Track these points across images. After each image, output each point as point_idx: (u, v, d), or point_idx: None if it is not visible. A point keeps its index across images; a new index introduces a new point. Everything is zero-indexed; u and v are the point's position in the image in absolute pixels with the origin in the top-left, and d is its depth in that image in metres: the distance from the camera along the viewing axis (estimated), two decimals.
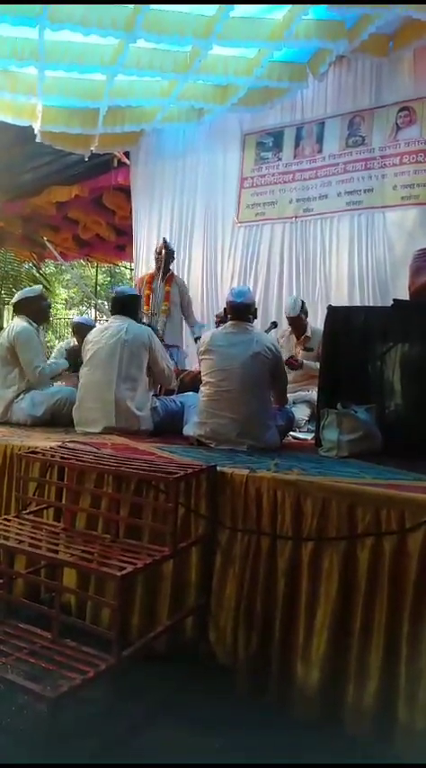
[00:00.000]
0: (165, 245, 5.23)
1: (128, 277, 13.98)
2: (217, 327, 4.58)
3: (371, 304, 5.05)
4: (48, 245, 7.85)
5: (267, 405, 3.04)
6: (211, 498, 2.26)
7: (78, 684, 1.66)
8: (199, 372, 3.15)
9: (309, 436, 3.56)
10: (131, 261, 8.01)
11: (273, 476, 2.19)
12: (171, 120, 5.78)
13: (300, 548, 2.05)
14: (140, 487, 2.39)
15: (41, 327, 4.09)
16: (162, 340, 4.84)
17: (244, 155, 6.09)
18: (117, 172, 6.87)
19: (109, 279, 18.28)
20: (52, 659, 1.78)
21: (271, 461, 2.51)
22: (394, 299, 3.26)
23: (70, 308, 19.68)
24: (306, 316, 4.83)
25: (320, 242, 5.58)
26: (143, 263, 6.72)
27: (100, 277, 17.07)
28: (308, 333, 4.77)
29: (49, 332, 15.36)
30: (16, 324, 3.81)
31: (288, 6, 4.20)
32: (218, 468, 2.29)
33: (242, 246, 6.07)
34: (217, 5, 3.99)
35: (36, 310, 3.93)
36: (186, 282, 5.81)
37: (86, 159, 6.10)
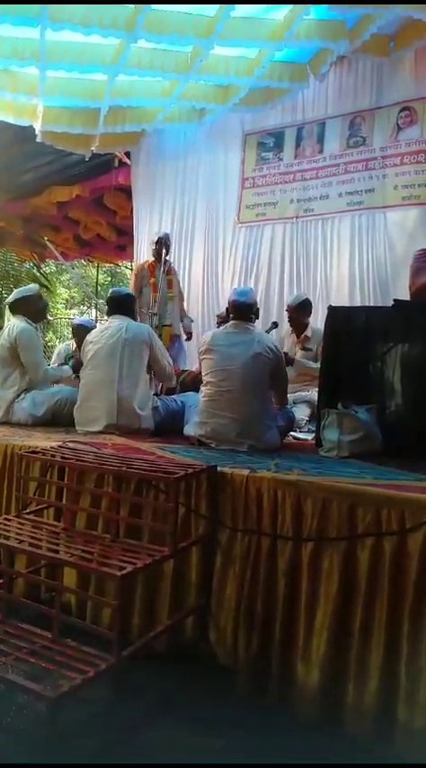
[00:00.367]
0: (163, 238, 5.27)
1: (129, 277, 13.98)
2: (218, 327, 4.60)
3: (372, 304, 5.05)
4: (48, 245, 7.88)
5: (268, 405, 3.04)
6: (211, 498, 2.26)
7: (78, 684, 1.66)
8: (200, 372, 3.15)
9: (310, 436, 3.56)
10: (132, 261, 8.01)
11: (274, 476, 2.19)
12: (172, 120, 5.78)
13: (300, 548, 2.05)
14: (140, 487, 2.39)
15: (40, 326, 4.08)
16: (167, 327, 5.08)
17: (244, 155, 6.09)
18: (118, 172, 6.86)
19: (109, 279, 18.27)
20: (52, 659, 1.78)
21: (272, 461, 2.51)
22: (394, 300, 3.26)
23: (71, 308, 19.69)
24: (308, 315, 4.83)
25: (321, 242, 5.58)
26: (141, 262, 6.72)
27: (101, 277, 17.06)
28: (308, 333, 4.77)
29: (50, 332, 15.37)
30: (15, 324, 3.79)
31: (289, 6, 4.20)
32: (219, 468, 2.29)
33: (243, 247, 6.07)
34: (218, 5, 3.99)
35: (33, 309, 3.92)
36: (187, 282, 5.86)
37: (87, 159, 6.10)
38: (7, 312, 4.13)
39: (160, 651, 2.22)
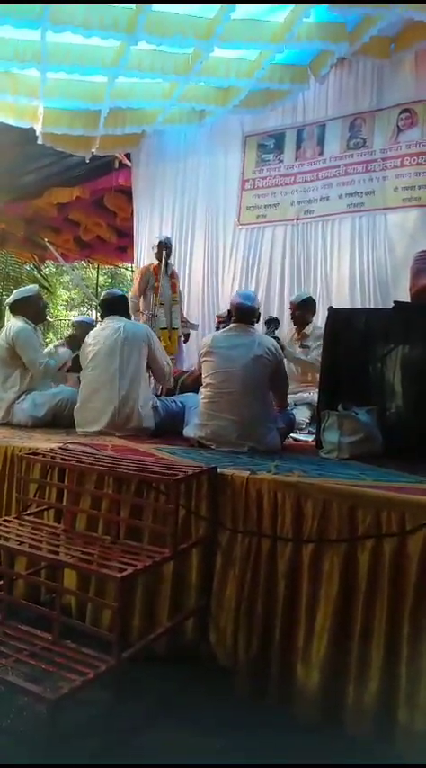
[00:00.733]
0: (165, 241, 5.40)
1: (129, 279, 14.00)
2: (217, 328, 4.60)
3: (372, 306, 5.05)
4: (49, 246, 7.87)
5: (268, 407, 3.04)
6: (212, 500, 2.26)
7: (78, 686, 1.66)
8: (200, 373, 3.15)
9: (310, 438, 3.56)
10: (132, 262, 8.01)
11: (274, 477, 2.19)
12: (172, 121, 5.78)
13: (301, 549, 2.05)
14: (141, 489, 2.39)
15: (39, 327, 4.08)
16: (174, 329, 5.27)
17: (245, 156, 6.09)
18: (118, 173, 6.87)
19: (110, 280, 18.28)
20: (52, 661, 1.78)
21: (272, 463, 2.51)
22: (394, 301, 3.26)
23: (71, 310, 19.70)
24: (312, 313, 4.81)
25: (321, 244, 5.57)
26: (144, 264, 6.71)
27: (101, 278, 17.07)
28: (307, 330, 4.77)
29: (50, 332, 15.37)
30: (14, 324, 3.79)
31: (290, 8, 4.20)
32: (219, 469, 2.29)
33: (243, 248, 6.07)
34: (218, 6, 3.99)
35: (33, 310, 3.92)
36: (187, 283, 5.91)
37: (87, 161, 6.11)
38: (7, 313, 4.13)
39: (160, 653, 2.22)
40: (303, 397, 4.43)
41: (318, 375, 3.41)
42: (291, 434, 3.54)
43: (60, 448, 2.66)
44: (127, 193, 7.03)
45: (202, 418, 2.99)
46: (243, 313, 3.09)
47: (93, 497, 2.49)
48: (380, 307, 4.81)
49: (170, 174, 6.56)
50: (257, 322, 3.21)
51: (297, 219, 5.72)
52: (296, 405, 4.18)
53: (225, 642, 2.17)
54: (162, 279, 5.27)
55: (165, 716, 1.99)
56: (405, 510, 1.88)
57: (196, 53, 4.51)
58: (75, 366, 4.08)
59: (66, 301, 19.45)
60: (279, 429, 3.10)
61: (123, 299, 3.78)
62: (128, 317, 3.68)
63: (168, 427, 3.47)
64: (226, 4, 3.94)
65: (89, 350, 3.49)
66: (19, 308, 3.90)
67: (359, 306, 5.11)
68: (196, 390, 3.46)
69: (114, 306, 3.65)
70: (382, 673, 1.84)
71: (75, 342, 4.05)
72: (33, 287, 4.34)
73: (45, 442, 2.90)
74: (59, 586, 2.08)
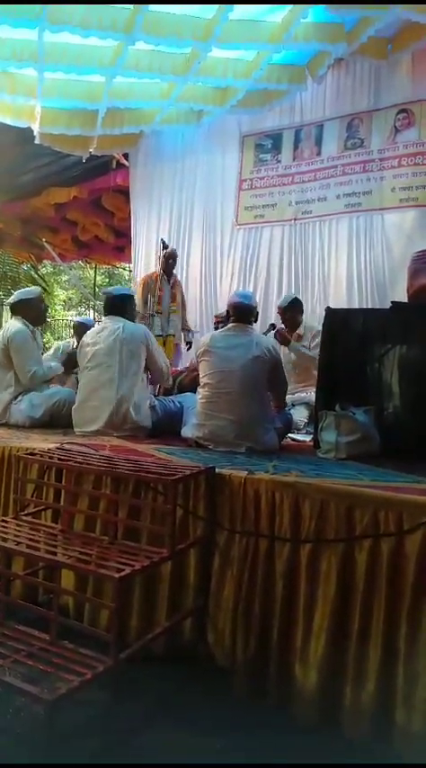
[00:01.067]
0: (173, 253, 5.65)
1: (127, 278, 14.01)
2: (215, 328, 4.61)
3: (369, 306, 5.07)
4: (46, 246, 7.86)
5: (266, 407, 3.05)
6: (209, 500, 2.26)
7: (76, 686, 1.66)
8: (197, 371, 3.15)
9: (308, 438, 3.56)
10: (130, 262, 8.01)
11: (271, 477, 2.19)
12: (170, 121, 5.79)
13: (298, 549, 2.05)
14: (138, 489, 2.39)
15: (38, 329, 4.07)
16: (171, 336, 5.41)
17: (242, 157, 6.10)
18: (116, 173, 6.87)
19: (107, 280, 18.29)
20: (50, 661, 1.77)
21: (270, 463, 2.51)
22: (392, 302, 3.27)
23: (69, 310, 19.69)
24: (301, 313, 4.84)
25: (319, 244, 5.59)
26: (142, 264, 6.73)
27: (98, 278, 17.09)
28: (300, 330, 4.79)
29: (48, 333, 15.37)
30: (11, 325, 3.78)
31: (288, 8, 4.21)
32: (217, 469, 2.29)
33: (241, 248, 6.08)
34: (216, 6, 3.99)
35: (33, 312, 3.91)
36: (185, 283, 5.95)
37: (84, 161, 6.11)
38: (5, 313, 4.12)
39: (158, 653, 2.22)
40: (301, 397, 4.44)
41: (316, 373, 3.41)
42: (289, 434, 3.54)
43: (58, 448, 2.66)
44: (124, 193, 7.03)
45: (200, 418, 2.99)
46: (241, 312, 3.09)
47: (91, 498, 2.49)
48: (378, 307, 4.82)
49: (168, 174, 6.56)
50: (255, 321, 3.21)
51: (295, 220, 5.72)
52: (293, 405, 4.19)
53: (222, 642, 2.17)
54: (164, 287, 5.49)
55: (163, 716, 1.98)
56: (403, 510, 1.88)
57: (194, 53, 4.52)
58: (69, 364, 4.07)
59: (64, 301, 19.45)
60: (277, 429, 3.10)
61: (126, 298, 3.73)
62: (130, 317, 3.66)
63: (166, 427, 3.46)
64: (224, 5, 3.94)
65: (88, 350, 3.49)
66: (20, 309, 3.88)
67: (357, 306, 5.12)
68: (194, 390, 3.46)
69: (115, 306, 3.63)
70: (379, 673, 1.83)
71: (72, 361, 3.99)
72: (36, 289, 4.31)
73: (42, 443, 2.90)
74: (57, 587, 2.08)
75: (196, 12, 4.13)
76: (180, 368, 5.32)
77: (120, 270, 15.74)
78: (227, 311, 3.28)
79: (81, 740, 1.80)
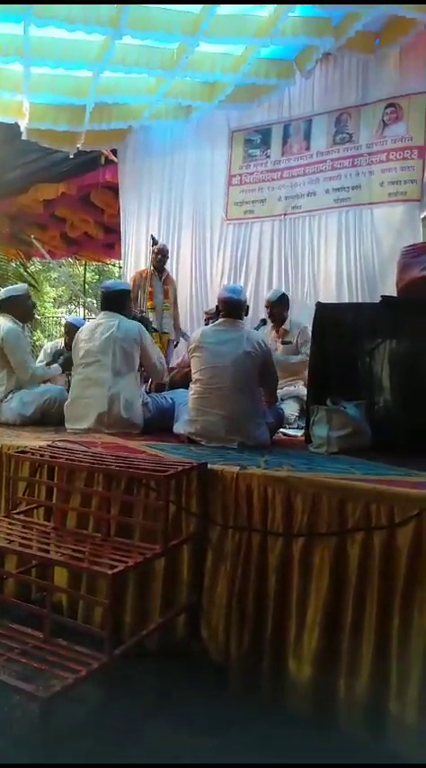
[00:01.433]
0: (163, 248, 5.63)
1: (117, 275, 13.95)
2: (206, 324, 4.61)
3: (359, 300, 5.08)
4: (35, 243, 7.80)
5: (257, 402, 3.05)
6: (202, 496, 2.27)
7: (70, 684, 1.65)
8: (189, 367, 3.15)
9: (299, 433, 3.57)
10: (120, 259, 7.98)
11: (263, 472, 2.19)
12: (158, 117, 5.76)
13: (291, 544, 2.06)
14: (131, 486, 2.39)
15: (27, 325, 4.06)
16: (165, 333, 5.45)
17: (231, 152, 6.09)
18: (104, 169, 6.84)
19: (97, 277, 18.22)
20: (44, 659, 1.77)
21: (261, 458, 2.52)
22: (382, 296, 3.28)
23: (59, 307, 19.60)
24: (287, 309, 4.87)
25: (308, 239, 5.59)
26: (132, 261, 6.70)
27: (88, 275, 17.02)
28: (286, 326, 4.81)
29: (38, 331, 15.30)
30: (2, 324, 3.76)
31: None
32: (209, 465, 2.29)
33: (231, 244, 6.07)
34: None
35: (21, 309, 3.90)
36: (175, 279, 5.93)
37: (71, 156, 6.07)
38: None
39: (152, 649, 2.22)
40: (289, 390, 4.46)
41: (306, 371, 3.43)
42: (280, 429, 3.55)
43: (49, 446, 2.65)
44: (114, 189, 7.00)
45: (192, 414, 2.99)
46: (230, 307, 3.08)
47: (83, 495, 2.48)
48: (368, 301, 4.84)
49: (157, 170, 6.54)
50: (246, 315, 3.21)
51: (285, 215, 5.72)
52: (283, 399, 4.20)
53: (216, 638, 2.18)
54: (155, 284, 5.50)
55: (158, 712, 1.99)
56: (394, 503, 1.89)
57: (181, 48, 4.50)
58: (64, 365, 4.07)
59: (54, 299, 19.35)
60: (269, 424, 3.10)
61: (123, 293, 3.71)
62: (126, 313, 3.64)
63: (158, 423, 3.47)
64: (208, 4, 3.93)
65: (81, 346, 3.48)
66: (7, 306, 3.86)
67: (347, 300, 5.13)
68: (186, 386, 3.46)
69: (111, 301, 3.61)
70: (373, 665, 1.85)
71: (69, 364, 4.00)
72: (22, 286, 4.30)
73: (34, 441, 2.89)
74: (50, 584, 2.07)
75: (183, 6, 4.11)
76: (173, 365, 5.34)
77: (110, 267, 15.68)
78: (217, 306, 3.27)
79: (76, 738, 1.80)
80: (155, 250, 5.57)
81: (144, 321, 3.95)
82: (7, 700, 1.89)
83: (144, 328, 3.63)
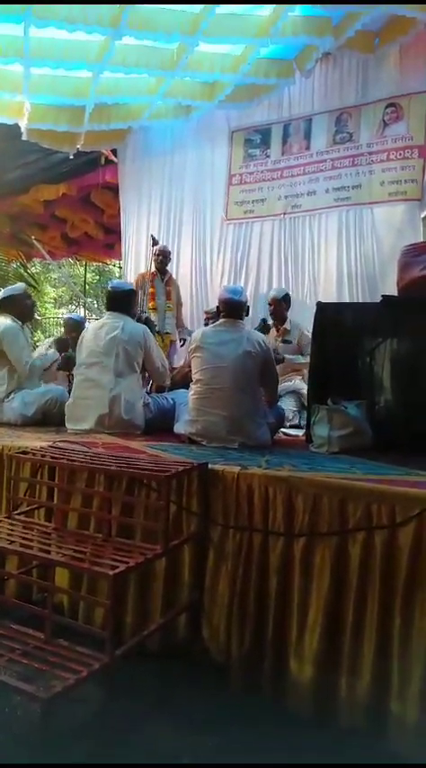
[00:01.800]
0: (164, 249, 5.67)
1: (117, 275, 13.95)
2: (206, 324, 4.61)
3: (360, 300, 5.08)
4: (35, 243, 7.80)
5: (258, 402, 3.05)
6: (203, 496, 2.26)
7: (72, 684, 1.65)
8: (190, 367, 3.15)
9: (300, 433, 3.57)
10: (120, 259, 7.98)
11: (264, 472, 2.19)
12: (158, 117, 5.77)
13: (292, 544, 2.05)
14: (132, 486, 2.38)
15: (27, 325, 4.07)
16: (167, 334, 5.48)
17: (231, 152, 6.09)
18: (105, 170, 6.84)
19: (97, 277, 18.23)
20: (45, 659, 1.77)
21: (262, 458, 2.52)
22: (382, 295, 3.27)
23: (59, 307, 19.61)
24: (288, 308, 4.87)
25: (308, 238, 5.59)
26: (132, 261, 6.71)
27: (89, 275, 17.02)
28: (287, 326, 4.81)
29: (38, 330, 15.30)
30: (1, 322, 3.77)
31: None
32: (210, 465, 2.29)
33: (231, 243, 6.07)
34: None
35: (20, 309, 3.91)
36: (175, 279, 5.93)
37: (71, 157, 6.07)
38: None
39: (153, 649, 2.22)
40: (287, 386, 4.46)
41: (305, 369, 3.43)
42: (281, 429, 3.55)
43: (50, 446, 2.65)
44: (114, 190, 7.00)
45: (193, 414, 2.98)
46: (231, 308, 3.08)
47: (84, 495, 2.48)
48: (368, 301, 4.84)
49: (156, 170, 6.54)
50: (247, 316, 3.21)
51: (285, 214, 5.72)
52: (280, 395, 4.20)
53: (218, 638, 2.18)
54: (157, 285, 5.52)
55: (160, 712, 1.99)
56: (395, 502, 1.89)
57: (181, 48, 4.50)
58: (64, 365, 4.07)
59: (54, 299, 19.36)
60: (269, 424, 3.10)
61: (129, 294, 3.71)
62: (131, 314, 3.64)
63: (159, 424, 3.46)
64: (208, 4, 3.93)
65: (85, 346, 3.48)
66: (5, 306, 3.87)
67: (347, 300, 5.13)
68: (186, 387, 3.46)
69: (118, 301, 3.61)
70: (374, 665, 1.84)
71: (62, 344, 4.12)
72: (20, 285, 4.32)
73: (35, 441, 2.89)
74: (51, 585, 2.07)
75: (183, 6, 4.11)
76: (175, 365, 5.35)
77: (110, 267, 15.68)
78: (217, 307, 3.27)
79: (77, 738, 1.80)
80: (156, 251, 5.58)
81: (148, 323, 3.95)
82: (8, 700, 1.89)
83: (149, 332, 3.63)
